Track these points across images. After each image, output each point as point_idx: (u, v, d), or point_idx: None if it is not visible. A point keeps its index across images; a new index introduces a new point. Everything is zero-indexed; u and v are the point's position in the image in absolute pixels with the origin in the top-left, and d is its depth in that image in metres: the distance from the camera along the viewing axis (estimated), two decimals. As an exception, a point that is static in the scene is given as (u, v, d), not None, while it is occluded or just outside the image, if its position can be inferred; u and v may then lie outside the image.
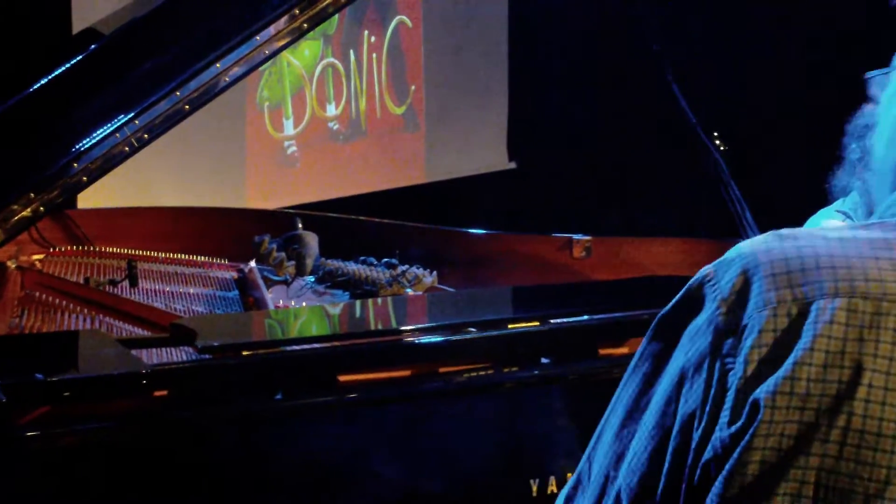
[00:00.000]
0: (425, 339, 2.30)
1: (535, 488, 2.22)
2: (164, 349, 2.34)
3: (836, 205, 3.11)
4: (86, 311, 2.62)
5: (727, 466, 1.06)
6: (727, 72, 6.23)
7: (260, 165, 5.89)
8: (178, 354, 2.32)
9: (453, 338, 2.32)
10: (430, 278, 3.09)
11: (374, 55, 6.45)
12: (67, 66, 2.53)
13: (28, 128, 2.50)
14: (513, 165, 7.08)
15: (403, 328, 2.38)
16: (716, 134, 3.03)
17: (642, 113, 5.12)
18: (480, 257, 3.41)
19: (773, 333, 1.08)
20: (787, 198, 3.64)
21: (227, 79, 2.51)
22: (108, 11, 2.82)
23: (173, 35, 2.58)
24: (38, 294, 2.70)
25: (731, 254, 1.15)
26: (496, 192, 6.77)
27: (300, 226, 3.28)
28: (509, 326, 2.40)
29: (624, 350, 2.45)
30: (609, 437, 1.20)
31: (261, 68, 4.28)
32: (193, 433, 2.04)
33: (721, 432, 1.08)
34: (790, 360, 1.06)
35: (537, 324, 2.42)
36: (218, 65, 2.50)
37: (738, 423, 1.07)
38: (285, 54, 5.75)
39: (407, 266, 3.15)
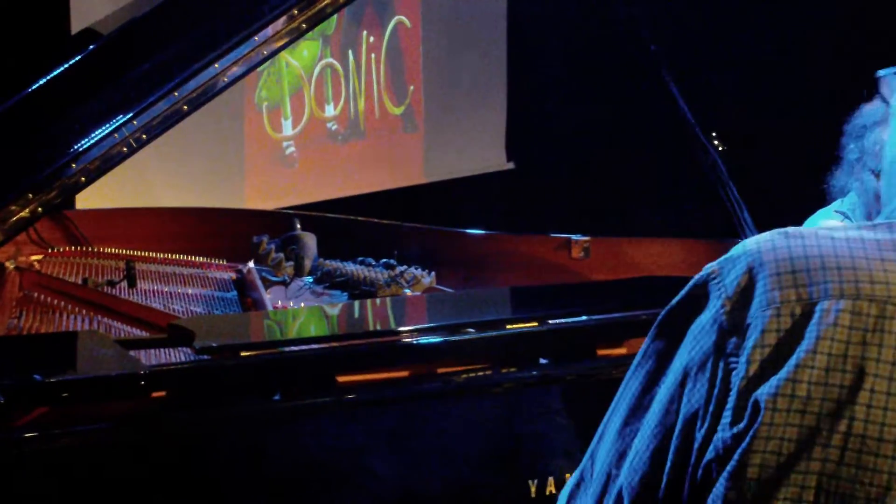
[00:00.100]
0: (423, 340, 2.30)
1: (533, 489, 2.22)
2: (162, 350, 2.34)
3: (835, 205, 3.11)
4: (84, 311, 2.61)
5: (728, 468, 1.06)
6: (725, 72, 6.23)
7: (258, 166, 5.89)
8: (177, 355, 2.31)
9: (452, 338, 2.31)
10: (428, 279, 3.10)
11: (373, 55, 6.44)
12: (66, 66, 2.53)
13: (26, 128, 2.50)
14: (511, 166, 7.08)
15: (402, 329, 2.38)
16: (714, 134, 3.03)
17: (640, 113, 5.11)
18: (479, 258, 3.41)
19: (776, 334, 1.08)
20: (785, 198, 3.64)
21: (225, 79, 2.51)
22: (106, 11, 2.82)
23: (172, 35, 2.58)
24: (36, 295, 2.70)
25: (736, 251, 1.15)
26: (494, 192, 6.77)
27: (298, 226, 3.28)
28: (507, 327, 2.40)
29: (622, 350, 2.44)
30: (612, 434, 1.20)
31: (259, 69, 4.28)
32: (191, 434, 2.04)
33: (723, 432, 1.07)
34: (792, 361, 1.06)
35: (535, 324, 2.42)
36: (216, 65, 2.50)
37: (740, 425, 1.06)
38: (284, 54, 5.75)
39: (405, 266, 3.15)
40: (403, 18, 6.60)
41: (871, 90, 2.74)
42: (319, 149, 6.21)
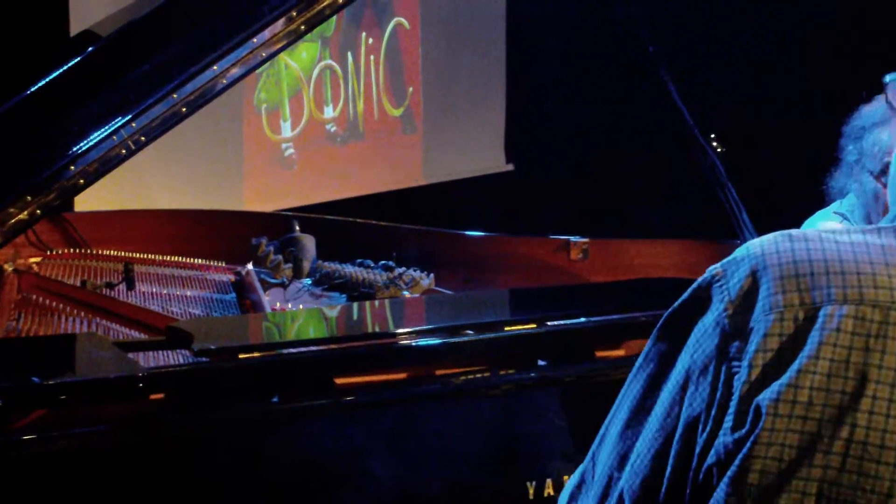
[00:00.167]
0: (422, 342, 2.30)
1: (531, 490, 2.22)
2: (160, 352, 2.34)
3: (833, 206, 3.10)
4: (83, 313, 2.61)
5: (728, 473, 1.06)
6: (724, 73, 6.23)
7: (257, 167, 5.89)
8: (175, 357, 2.31)
9: (450, 340, 2.31)
10: (427, 280, 3.09)
11: (372, 57, 6.44)
12: (65, 68, 2.53)
13: (25, 130, 2.50)
14: (510, 167, 7.08)
15: (400, 331, 2.38)
16: (713, 136, 3.03)
17: (639, 115, 5.11)
18: (477, 259, 3.41)
19: (778, 338, 1.07)
20: (784, 199, 3.64)
21: (224, 81, 2.51)
22: (105, 13, 2.82)
23: (170, 37, 2.58)
24: (34, 297, 2.70)
25: (740, 253, 1.14)
26: (493, 193, 6.77)
27: (297, 228, 3.28)
28: (506, 329, 2.40)
29: (620, 352, 2.44)
30: (613, 437, 1.20)
31: (258, 70, 4.28)
32: (190, 436, 2.04)
33: (725, 437, 1.07)
34: (794, 367, 1.05)
35: (534, 326, 2.42)
36: (215, 67, 2.50)
37: (742, 430, 1.06)
38: (283, 56, 5.75)
39: (404, 268, 3.15)
40: (402, 20, 6.60)
41: (874, 92, 2.74)
42: (318, 150, 6.21)
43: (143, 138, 2.43)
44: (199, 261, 3.19)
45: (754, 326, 1.09)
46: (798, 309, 1.08)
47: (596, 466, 1.22)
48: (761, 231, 2.91)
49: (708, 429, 1.09)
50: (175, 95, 2.46)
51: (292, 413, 2.11)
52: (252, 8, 2.57)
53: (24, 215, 2.32)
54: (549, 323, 2.43)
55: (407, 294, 3.00)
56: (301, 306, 2.94)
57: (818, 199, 3.15)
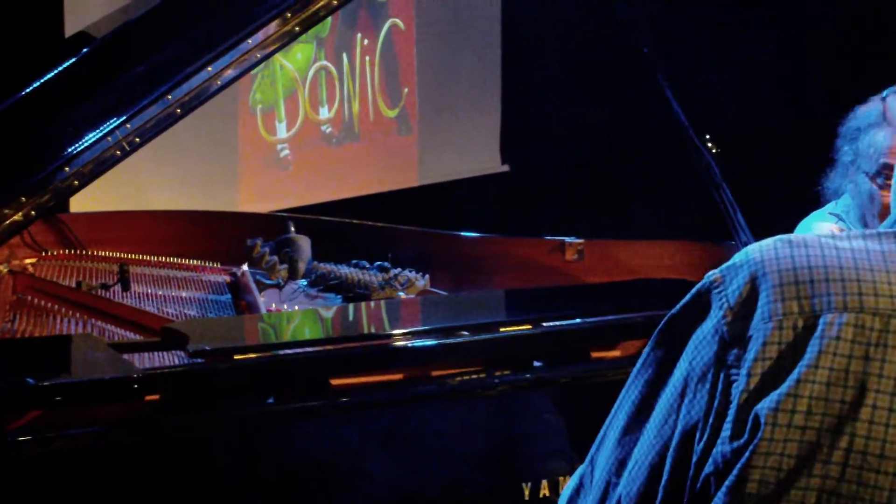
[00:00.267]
0: (418, 343, 2.30)
1: (527, 492, 2.22)
2: (155, 353, 2.33)
3: (829, 207, 3.11)
4: (78, 315, 2.61)
5: (727, 482, 1.05)
6: (719, 75, 6.23)
7: (252, 168, 5.88)
8: (170, 358, 2.31)
9: (446, 341, 2.31)
10: (422, 281, 3.09)
11: (367, 58, 6.44)
12: (59, 69, 2.53)
13: (20, 131, 2.50)
14: (506, 168, 7.07)
15: (396, 332, 2.37)
16: (708, 136, 3.03)
17: (635, 116, 5.12)
18: (473, 260, 3.41)
19: (777, 346, 1.06)
20: (780, 200, 3.65)
21: (219, 82, 2.51)
22: (100, 14, 2.82)
23: (165, 38, 2.58)
24: (30, 298, 2.70)
25: (739, 258, 1.13)
26: (489, 194, 6.77)
27: (293, 229, 3.28)
28: (501, 330, 2.40)
29: (616, 353, 2.44)
30: (611, 442, 1.19)
31: (253, 71, 4.28)
32: (185, 437, 2.04)
33: (723, 446, 1.06)
34: (793, 376, 1.05)
35: (529, 327, 2.42)
36: (210, 68, 2.49)
37: (740, 440, 1.05)
38: (278, 57, 5.74)
39: (399, 269, 3.15)
40: (398, 21, 6.60)
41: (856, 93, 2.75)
42: (314, 151, 6.20)
43: (137, 139, 2.43)
44: (195, 262, 3.19)
45: (753, 334, 1.08)
46: (797, 317, 1.07)
47: (594, 471, 1.22)
48: (756, 232, 2.91)
49: (705, 437, 1.08)
50: (170, 96, 2.46)
51: (288, 414, 2.11)
52: (247, 9, 2.57)
53: (18, 216, 2.31)
54: (544, 324, 2.43)
55: (402, 295, 3.00)
56: (296, 307, 2.93)
57: (813, 200, 3.15)
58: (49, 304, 2.66)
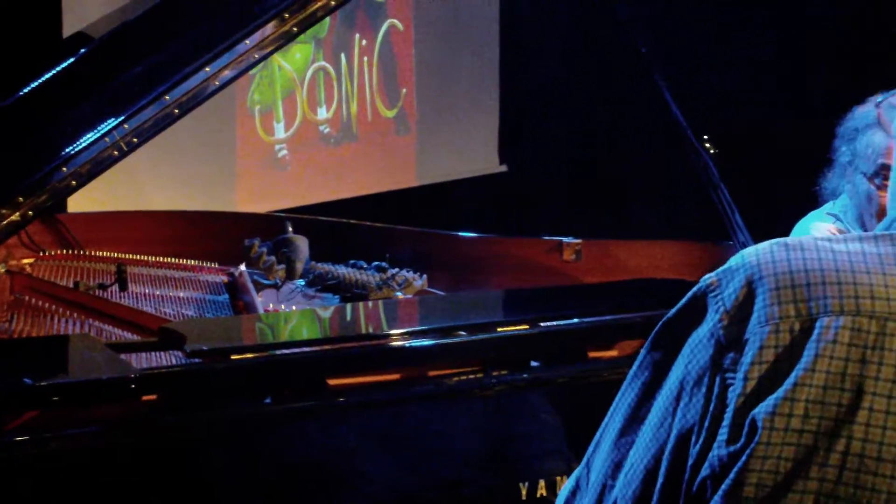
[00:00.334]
0: (415, 343, 2.30)
1: (524, 491, 2.22)
2: (153, 353, 2.33)
3: (826, 207, 3.11)
4: (75, 315, 2.61)
5: (723, 486, 1.05)
6: (717, 75, 6.23)
7: (250, 169, 5.89)
8: (168, 358, 2.31)
9: (443, 341, 2.31)
10: (420, 281, 3.09)
11: (366, 58, 6.44)
12: (57, 69, 2.53)
13: (18, 131, 2.49)
14: (504, 168, 7.08)
15: (393, 332, 2.37)
16: (705, 137, 3.03)
17: (632, 116, 5.12)
18: (470, 260, 3.41)
19: (774, 350, 1.06)
20: (777, 200, 3.64)
21: (217, 82, 2.51)
22: (98, 15, 2.82)
23: (163, 39, 2.58)
24: (27, 298, 2.70)
25: (735, 261, 1.13)
26: (487, 194, 6.77)
27: (290, 229, 3.28)
28: (499, 330, 2.40)
29: (613, 353, 2.45)
30: (608, 444, 1.19)
31: (251, 72, 4.28)
32: (182, 437, 2.04)
33: (719, 450, 1.06)
34: (790, 380, 1.04)
35: (527, 327, 2.42)
36: (208, 68, 2.49)
37: (737, 444, 1.05)
38: (276, 57, 5.75)
39: (397, 269, 3.15)
40: (396, 21, 6.60)
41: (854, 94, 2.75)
42: (312, 152, 6.21)
43: (135, 140, 2.43)
44: (192, 262, 3.19)
45: (749, 338, 1.08)
46: (794, 320, 1.07)
47: (591, 473, 1.22)
48: (754, 232, 2.91)
49: (701, 441, 1.08)
50: (168, 97, 2.45)
51: (285, 414, 2.11)
52: (245, 9, 2.57)
53: (16, 216, 2.31)
54: (541, 324, 2.43)
55: (400, 295, 3.00)
56: (294, 307, 2.94)
57: (811, 200, 3.15)
58: (46, 305, 2.66)
